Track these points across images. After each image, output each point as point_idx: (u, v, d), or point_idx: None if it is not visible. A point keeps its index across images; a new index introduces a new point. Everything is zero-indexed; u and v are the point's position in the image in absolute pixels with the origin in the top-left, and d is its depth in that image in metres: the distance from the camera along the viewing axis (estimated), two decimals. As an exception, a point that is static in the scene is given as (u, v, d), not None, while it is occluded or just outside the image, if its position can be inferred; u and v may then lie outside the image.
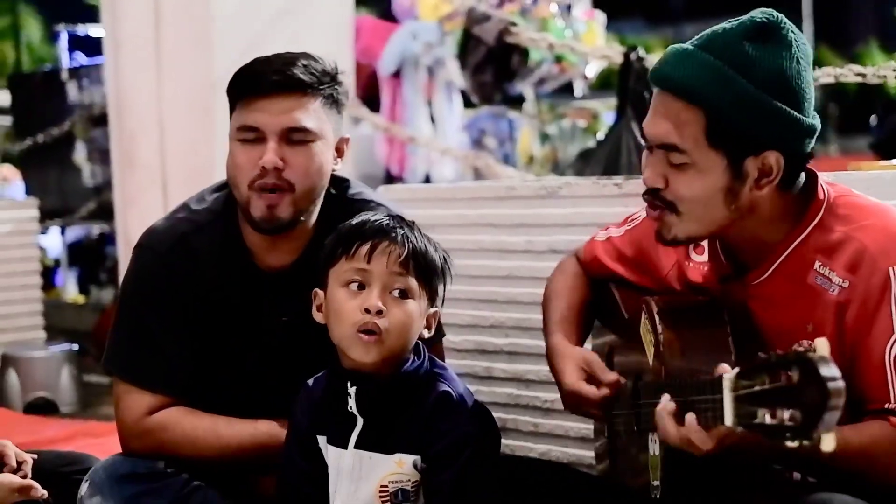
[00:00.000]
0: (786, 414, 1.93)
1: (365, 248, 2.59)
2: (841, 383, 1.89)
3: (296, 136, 2.86)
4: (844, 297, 2.39)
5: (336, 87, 2.93)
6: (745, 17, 2.45)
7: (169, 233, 2.99)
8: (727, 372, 2.07)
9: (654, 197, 2.48)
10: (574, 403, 2.70)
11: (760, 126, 2.38)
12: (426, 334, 2.67)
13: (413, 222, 2.69)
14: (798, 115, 2.40)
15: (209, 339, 2.95)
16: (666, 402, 2.26)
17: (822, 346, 1.92)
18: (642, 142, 2.53)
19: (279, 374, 2.95)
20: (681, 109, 2.41)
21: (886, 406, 2.35)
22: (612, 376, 2.66)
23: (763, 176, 2.42)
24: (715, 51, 2.40)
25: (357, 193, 3.11)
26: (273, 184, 2.85)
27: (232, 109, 2.94)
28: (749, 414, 2.01)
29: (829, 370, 1.89)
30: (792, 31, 2.44)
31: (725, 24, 2.46)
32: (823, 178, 2.54)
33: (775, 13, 2.45)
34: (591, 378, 2.68)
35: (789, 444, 1.92)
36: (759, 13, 2.45)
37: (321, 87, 2.89)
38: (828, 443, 1.89)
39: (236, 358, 2.96)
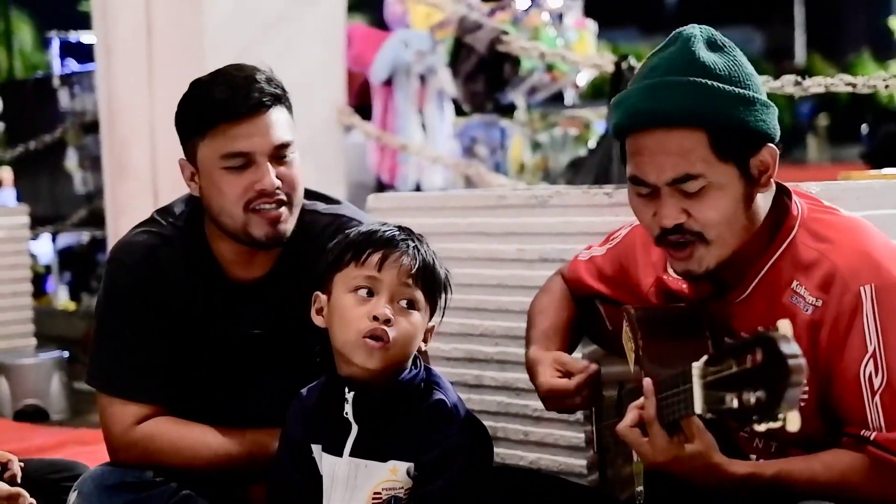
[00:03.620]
0: (752, 397, 1.95)
1: (376, 256, 2.60)
2: (801, 360, 1.92)
3: (283, 152, 2.86)
4: (817, 317, 2.40)
5: (287, 91, 2.93)
6: (678, 38, 2.47)
7: (137, 246, 2.98)
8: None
9: (679, 234, 2.45)
10: (553, 400, 2.73)
11: (754, 121, 2.41)
12: (423, 347, 2.69)
13: (421, 235, 2.71)
14: (768, 100, 2.45)
15: (183, 349, 2.95)
16: (647, 385, 2.31)
17: (783, 326, 1.95)
18: (639, 189, 2.48)
19: (254, 386, 2.97)
20: (681, 138, 2.39)
21: (863, 433, 2.36)
22: (582, 363, 2.70)
23: (763, 172, 2.45)
24: (680, 73, 2.41)
25: (335, 211, 3.08)
26: (274, 202, 2.85)
27: (194, 138, 2.88)
28: (718, 399, 2.04)
29: (790, 347, 1.93)
30: (720, 35, 2.50)
31: (664, 51, 2.48)
32: (797, 191, 2.57)
33: (694, 25, 2.50)
34: (567, 375, 2.72)
35: (757, 427, 1.96)
36: (688, 29, 2.48)
37: (285, 96, 2.90)
38: (793, 422, 1.91)
39: (210, 369, 2.96)
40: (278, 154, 2.86)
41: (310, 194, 3.10)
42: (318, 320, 2.69)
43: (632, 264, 2.80)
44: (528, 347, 2.89)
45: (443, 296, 2.70)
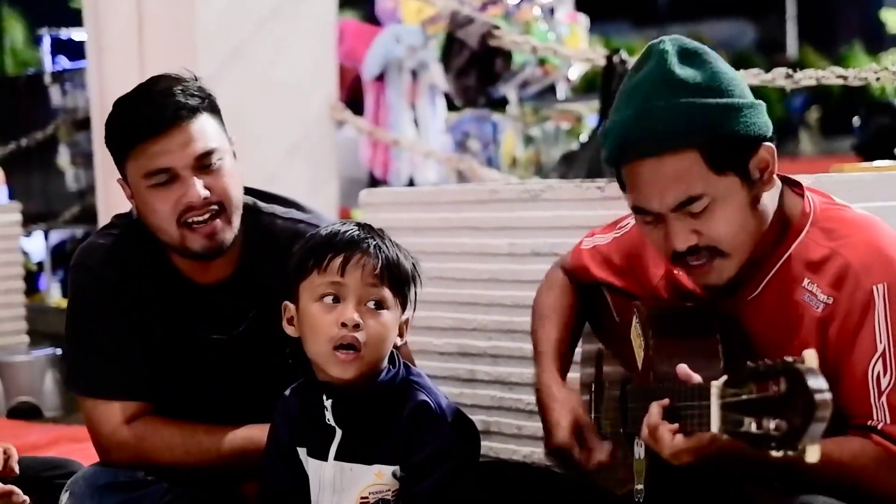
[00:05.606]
0: (772, 424, 1.93)
1: (338, 260, 2.57)
2: (828, 395, 1.90)
3: (206, 161, 2.82)
4: (827, 313, 2.39)
5: (210, 95, 2.89)
6: (650, 54, 2.45)
7: (99, 248, 2.98)
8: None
9: (694, 254, 2.43)
10: (558, 456, 2.69)
11: (744, 126, 2.38)
12: (399, 342, 2.66)
13: (381, 230, 2.68)
14: (754, 100, 2.43)
15: (152, 350, 2.94)
16: (656, 406, 2.26)
17: (810, 357, 1.93)
18: (644, 218, 2.46)
19: (222, 392, 2.96)
20: (675, 162, 2.37)
21: (869, 423, 2.35)
22: (605, 451, 2.64)
23: (764, 171, 2.43)
24: (660, 96, 2.39)
25: (294, 215, 3.06)
26: (206, 213, 2.82)
27: (122, 159, 2.87)
28: (735, 422, 2.01)
29: (817, 382, 1.90)
30: (692, 42, 2.47)
31: (641, 70, 2.45)
32: (809, 188, 2.55)
33: (663, 38, 2.48)
34: (581, 437, 2.67)
35: (774, 453, 1.93)
36: (658, 44, 2.46)
37: (204, 103, 2.86)
38: (812, 454, 1.90)
39: (178, 372, 2.95)
40: (202, 164, 2.82)
41: (268, 197, 3.10)
42: (289, 330, 2.68)
43: (642, 255, 2.76)
44: (542, 369, 2.82)
45: (412, 288, 2.67)
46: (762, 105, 2.44)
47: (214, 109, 2.89)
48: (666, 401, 2.23)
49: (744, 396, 2.00)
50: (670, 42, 2.46)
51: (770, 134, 2.44)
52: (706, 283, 2.49)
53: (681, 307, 2.63)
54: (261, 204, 3.04)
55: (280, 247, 2.87)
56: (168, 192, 2.81)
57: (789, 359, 1.95)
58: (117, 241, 2.98)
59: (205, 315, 2.95)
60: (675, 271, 2.66)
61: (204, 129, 2.83)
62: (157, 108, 2.80)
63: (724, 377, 2.07)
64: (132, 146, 2.82)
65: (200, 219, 2.82)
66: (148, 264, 2.95)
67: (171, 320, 2.95)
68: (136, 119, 2.82)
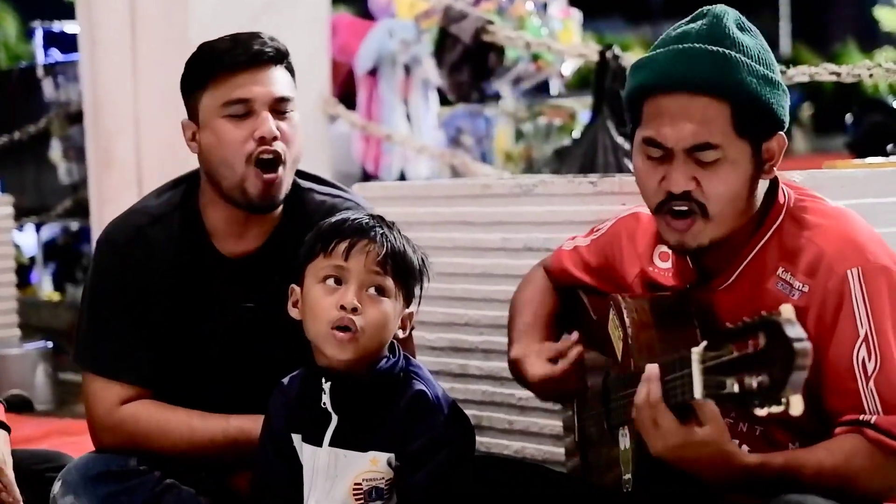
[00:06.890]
0: (754, 381, 1.96)
1: (343, 245, 2.60)
2: (807, 343, 1.93)
3: (282, 107, 2.90)
4: (804, 303, 2.40)
5: (291, 61, 2.98)
6: (708, 13, 2.48)
7: (126, 226, 3.01)
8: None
9: (685, 200, 2.45)
10: (546, 390, 2.75)
11: (775, 103, 2.44)
12: (401, 334, 2.69)
13: (393, 223, 2.70)
14: (786, 86, 2.47)
15: (173, 329, 2.95)
16: (651, 369, 2.29)
17: (786, 310, 1.95)
18: (651, 152, 2.47)
19: (246, 364, 2.97)
20: (705, 106, 2.40)
21: (861, 418, 2.35)
22: (566, 343, 2.72)
23: (768, 160, 2.47)
24: (716, 42, 2.42)
25: (331, 192, 3.10)
26: (274, 153, 2.86)
27: (199, 90, 2.92)
28: (718, 384, 2.04)
29: (795, 331, 1.93)
30: (743, 17, 2.51)
31: (693, 23, 2.48)
32: (784, 180, 2.57)
33: (723, 6, 2.52)
34: (554, 360, 2.74)
35: (758, 411, 1.95)
36: (717, 7, 2.49)
37: (287, 59, 2.95)
38: (796, 406, 1.92)
39: (201, 347, 2.97)
40: (278, 108, 2.90)
41: (310, 177, 3.13)
42: (293, 312, 2.71)
43: (617, 255, 2.81)
44: (511, 346, 2.89)
45: (418, 282, 2.70)
46: (789, 97, 2.48)
47: (291, 69, 2.97)
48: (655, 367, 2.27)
49: (724, 358, 2.03)
50: (729, 9, 2.49)
51: (785, 127, 2.47)
52: (681, 241, 2.49)
53: (657, 297, 2.65)
54: (299, 179, 3.07)
55: (313, 222, 2.89)
56: (242, 124, 2.87)
57: (765, 312, 1.97)
58: (148, 217, 3.00)
59: (235, 285, 2.97)
60: (649, 269, 2.69)
61: (284, 79, 2.93)
62: (244, 45, 2.89)
63: (704, 342, 2.09)
64: (214, 75, 2.89)
65: (268, 157, 2.86)
66: (179, 237, 2.97)
67: (199, 291, 2.97)
68: (223, 51, 2.90)
